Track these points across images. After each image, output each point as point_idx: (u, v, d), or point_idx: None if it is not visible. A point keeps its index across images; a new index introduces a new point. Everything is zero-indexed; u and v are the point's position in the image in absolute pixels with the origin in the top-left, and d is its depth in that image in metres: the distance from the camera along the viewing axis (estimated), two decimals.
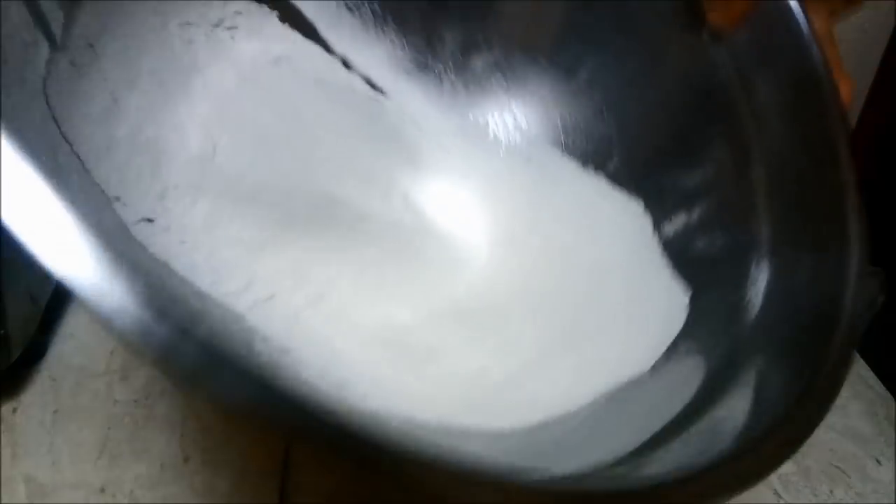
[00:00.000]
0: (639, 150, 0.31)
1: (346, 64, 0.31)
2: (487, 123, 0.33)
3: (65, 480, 0.31)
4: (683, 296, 0.27)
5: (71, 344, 0.36)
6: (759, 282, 0.25)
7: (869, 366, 0.37)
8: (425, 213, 0.30)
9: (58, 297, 0.37)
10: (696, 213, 0.28)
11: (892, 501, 0.33)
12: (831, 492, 0.33)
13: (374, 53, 0.31)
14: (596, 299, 0.28)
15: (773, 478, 0.33)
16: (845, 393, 0.37)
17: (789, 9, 0.26)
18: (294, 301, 0.25)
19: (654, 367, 0.25)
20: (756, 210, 0.26)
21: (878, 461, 0.34)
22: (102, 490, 0.31)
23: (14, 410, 0.33)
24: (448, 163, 0.32)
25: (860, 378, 0.37)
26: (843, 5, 0.27)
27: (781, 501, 0.32)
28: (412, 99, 0.32)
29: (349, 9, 0.31)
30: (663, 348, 0.25)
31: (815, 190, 0.25)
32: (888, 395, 0.36)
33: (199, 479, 0.31)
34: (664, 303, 0.27)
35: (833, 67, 0.25)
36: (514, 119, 0.33)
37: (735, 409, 0.21)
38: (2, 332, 0.31)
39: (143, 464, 0.32)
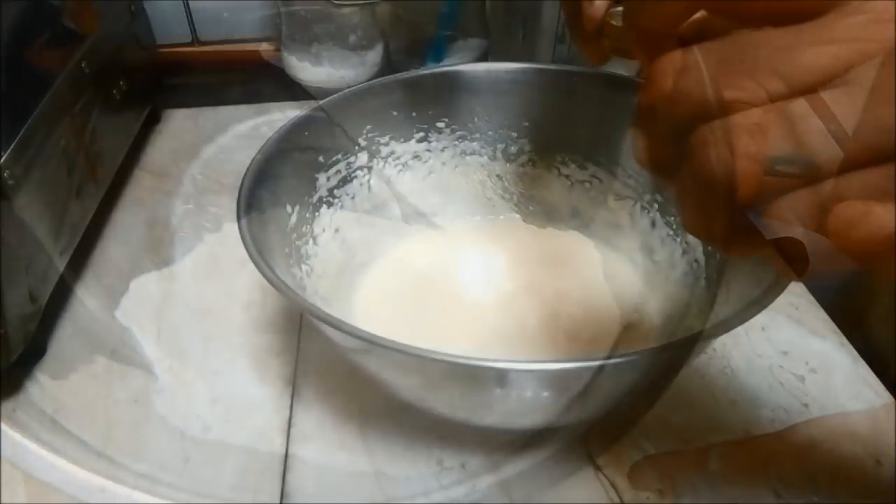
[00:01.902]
0: None
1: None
2: None
3: (65, 480, 0.31)
4: None
5: (71, 344, 0.36)
6: None
7: (869, 366, 0.38)
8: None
9: (57, 297, 0.37)
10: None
11: (893, 502, 0.33)
12: (831, 492, 0.33)
13: None
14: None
15: (773, 478, 0.33)
16: (845, 393, 0.36)
17: None
18: None
19: None
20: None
21: (878, 461, 0.34)
22: (103, 490, 0.31)
23: (14, 410, 0.33)
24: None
25: (860, 378, 0.37)
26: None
27: (781, 501, 0.32)
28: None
29: None
30: None
31: None
32: (888, 395, 0.36)
33: (199, 479, 0.31)
34: None
35: None
36: None
37: None
38: (2, 331, 0.31)
39: (143, 464, 0.32)
